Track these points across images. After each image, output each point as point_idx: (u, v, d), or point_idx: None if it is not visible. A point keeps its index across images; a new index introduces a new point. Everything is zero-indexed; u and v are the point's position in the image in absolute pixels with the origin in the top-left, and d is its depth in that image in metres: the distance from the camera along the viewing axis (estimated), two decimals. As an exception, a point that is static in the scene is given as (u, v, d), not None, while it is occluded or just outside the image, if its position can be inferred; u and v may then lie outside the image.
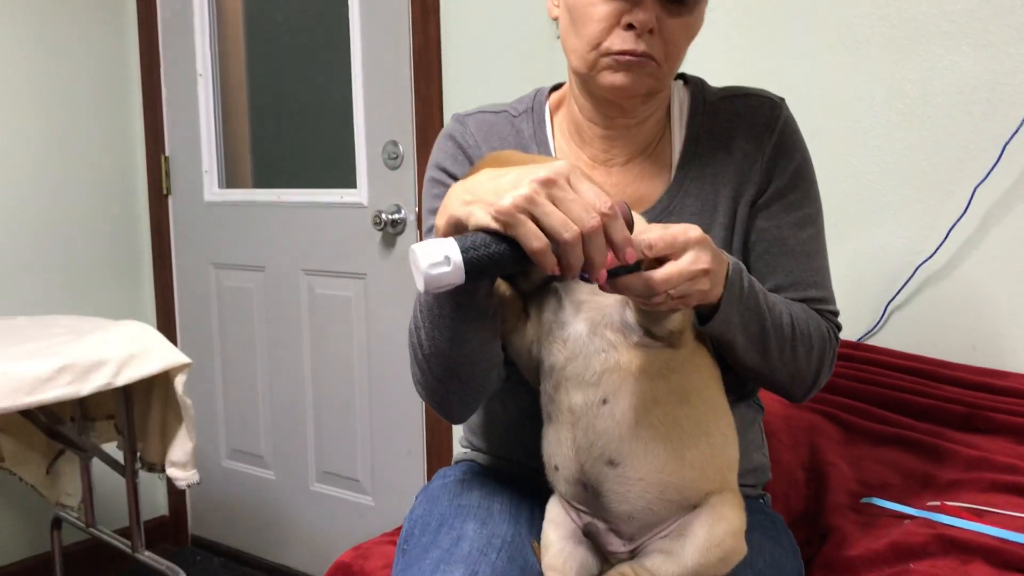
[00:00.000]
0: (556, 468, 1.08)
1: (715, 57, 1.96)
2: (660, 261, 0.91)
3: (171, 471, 2.19)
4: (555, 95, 1.30)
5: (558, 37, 1.20)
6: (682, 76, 1.28)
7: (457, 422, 1.22)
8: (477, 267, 0.87)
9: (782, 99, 1.23)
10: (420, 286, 0.87)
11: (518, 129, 1.27)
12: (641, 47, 1.10)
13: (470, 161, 1.25)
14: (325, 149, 2.78)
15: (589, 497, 1.06)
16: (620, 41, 1.10)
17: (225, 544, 3.15)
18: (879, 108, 1.79)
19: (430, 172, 1.29)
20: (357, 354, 2.72)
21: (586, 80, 1.17)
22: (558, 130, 1.28)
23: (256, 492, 3.04)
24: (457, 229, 0.91)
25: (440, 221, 0.93)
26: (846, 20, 1.80)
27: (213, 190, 3.01)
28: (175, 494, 3.26)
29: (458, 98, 2.40)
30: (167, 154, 3.08)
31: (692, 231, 0.93)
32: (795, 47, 1.87)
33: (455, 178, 1.23)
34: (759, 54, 1.91)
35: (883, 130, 1.79)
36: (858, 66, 1.80)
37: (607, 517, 1.06)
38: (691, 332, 1.05)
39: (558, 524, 1.11)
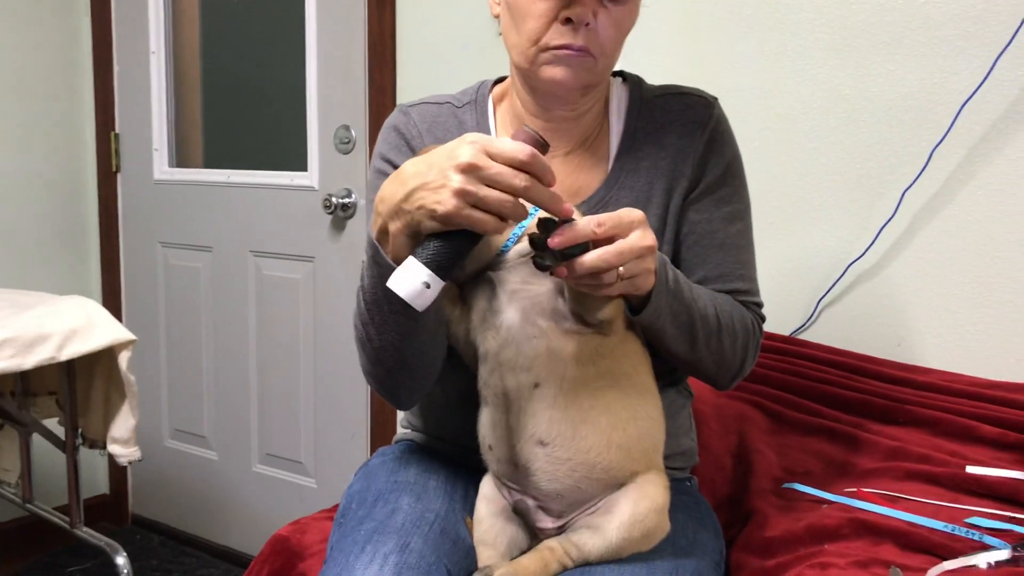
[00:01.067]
0: (490, 448, 1.13)
1: (660, 60, 2.01)
2: (610, 241, 0.96)
3: (112, 448, 2.19)
4: (498, 88, 1.34)
5: (500, 34, 1.24)
6: (621, 74, 1.33)
7: (406, 408, 1.26)
8: (447, 268, 0.95)
9: (715, 98, 1.29)
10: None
11: (461, 120, 1.31)
12: (579, 41, 1.15)
13: (413, 152, 1.28)
14: (277, 131, 2.79)
15: (520, 476, 1.11)
16: (558, 36, 1.15)
17: (166, 523, 3.15)
18: (817, 112, 1.85)
19: (375, 163, 1.33)
20: (303, 337, 2.73)
21: (527, 74, 1.22)
22: (500, 122, 1.32)
23: (198, 472, 3.04)
24: (410, 235, 0.98)
25: (394, 226, 0.99)
26: (788, 26, 1.87)
27: (163, 168, 3.00)
28: (116, 473, 3.24)
29: (411, 86, 2.43)
30: (117, 131, 3.06)
31: (636, 212, 0.98)
32: (738, 51, 1.93)
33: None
34: (703, 57, 1.97)
35: (821, 133, 1.85)
36: (799, 71, 1.86)
37: (537, 495, 1.11)
38: (622, 320, 1.10)
39: (490, 501, 1.16)
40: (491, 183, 0.92)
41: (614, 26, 1.16)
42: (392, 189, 0.99)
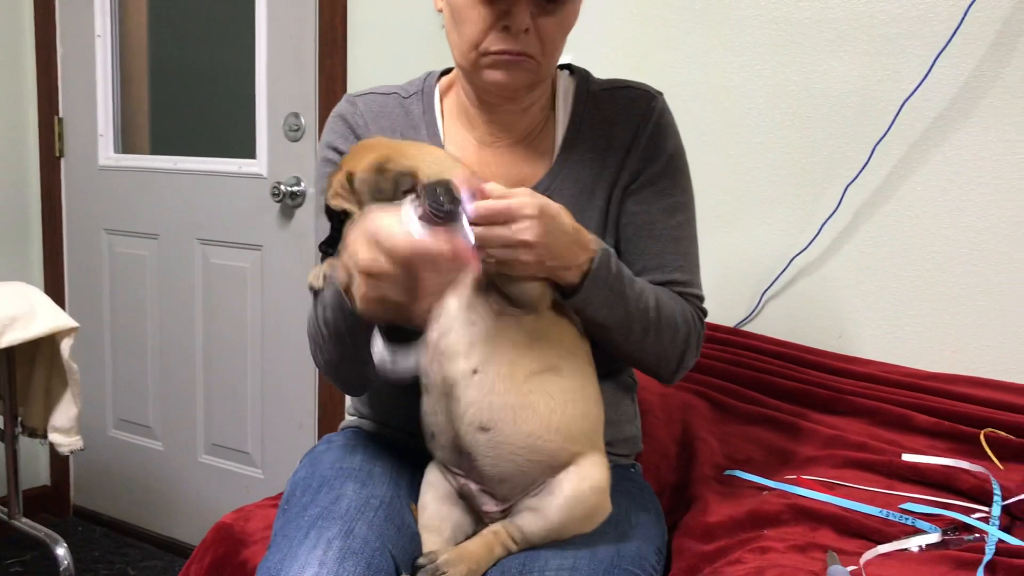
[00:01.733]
0: (433, 435, 1.14)
1: (608, 52, 2.03)
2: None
3: (54, 437, 2.16)
4: (445, 79, 1.36)
5: (443, 26, 1.25)
6: (568, 66, 1.34)
7: (357, 396, 1.32)
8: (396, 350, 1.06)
9: (660, 92, 1.31)
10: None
11: (408, 110, 1.32)
12: (518, 47, 1.16)
13: (358, 138, 1.30)
14: (225, 118, 2.76)
15: (464, 462, 1.12)
16: (497, 42, 1.16)
17: (109, 515, 3.11)
18: (763, 108, 1.88)
19: (322, 151, 1.34)
20: (251, 326, 2.71)
21: (469, 74, 1.23)
22: (447, 112, 1.33)
23: (143, 463, 3.00)
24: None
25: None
26: (736, 22, 1.89)
27: (108, 154, 2.95)
28: (57, 463, 3.19)
29: (362, 74, 2.42)
30: (61, 116, 3.00)
31: (528, 208, 1.00)
32: (687, 45, 1.95)
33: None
34: (652, 51, 1.99)
35: (766, 128, 1.88)
36: (745, 66, 1.89)
37: (481, 480, 1.12)
38: (548, 300, 1.12)
39: (435, 487, 1.17)
40: (393, 284, 1.00)
41: (554, 27, 1.18)
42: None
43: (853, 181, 1.78)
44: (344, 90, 2.44)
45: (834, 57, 1.80)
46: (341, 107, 1.34)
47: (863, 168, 1.77)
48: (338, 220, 1.14)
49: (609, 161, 1.27)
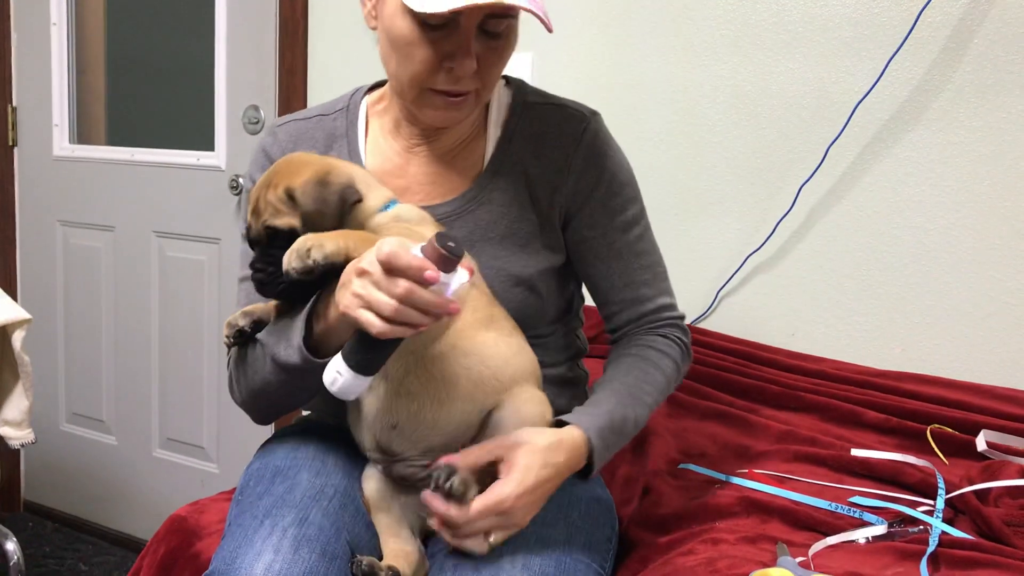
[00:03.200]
0: (360, 442, 1.20)
1: (569, 52, 2.04)
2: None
3: (4, 430, 2.12)
4: (376, 93, 1.34)
5: (378, 42, 1.22)
6: (505, 77, 1.33)
7: (266, 424, 1.32)
8: (359, 364, 1.02)
9: (594, 112, 1.30)
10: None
11: (329, 131, 1.32)
12: (464, 87, 1.15)
13: None
14: (183, 109, 2.73)
15: (388, 457, 1.16)
16: (443, 82, 1.15)
17: (61, 510, 3.06)
18: (722, 107, 1.91)
19: (245, 183, 1.36)
20: (207, 320, 2.69)
21: (406, 103, 1.22)
22: (376, 125, 1.32)
23: (96, 457, 2.97)
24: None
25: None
26: (695, 22, 1.91)
27: (63, 144, 2.90)
28: (8, 458, 3.13)
29: (322, 67, 2.41)
30: (14, 104, 2.95)
31: (509, 500, 1.04)
32: (647, 45, 1.97)
33: None
34: (612, 50, 2.00)
35: (722, 128, 1.91)
36: (703, 66, 1.91)
37: (412, 463, 1.15)
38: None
39: (372, 476, 1.21)
40: (377, 288, 0.96)
41: (497, 59, 1.16)
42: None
43: (807, 181, 1.82)
44: (304, 83, 2.43)
45: (790, 59, 1.83)
46: (263, 139, 1.35)
47: (817, 168, 1.80)
48: (281, 240, 1.10)
49: (542, 178, 1.26)
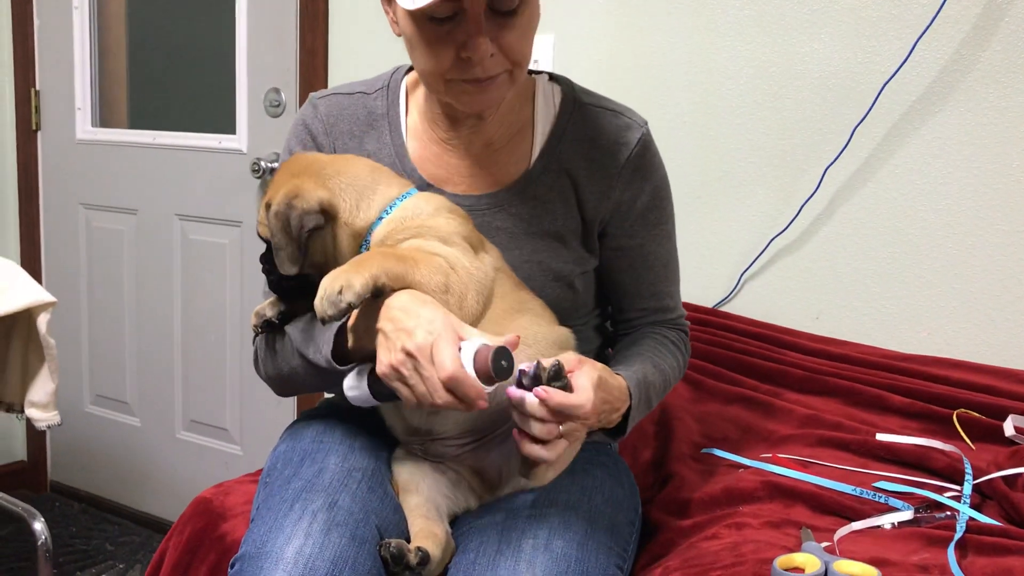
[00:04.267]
0: (392, 426, 1.22)
1: (595, 36, 2.03)
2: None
3: (31, 412, 2.14)
4: (414, 74, 1.33)
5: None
6: (549, 74, 1.33)
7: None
8: (378, 395, 1.10)
9: (645, 122, 1.30)
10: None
11: (370, 109, 1.31)
12: (486, 72, 1.13)
13: (316, 146, 1.30)
14: (205, 92, 2.74)
15: (424, 436, 1.18)
16: (463, 71, 1.13)
17: (86, 491, 3.10)
18: (744, 88, 1.89)
19: (283, 156, 1.34)
20: (229, 303, 2.70)
21: (442, 99, 1.22)
22: (415, 108, 1.31)
23: (120, 439, 2.99)
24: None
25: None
26: (719, 2, 1.89)
27: (86, 128, 2.92)
28: (34, 440, 3.17)
29: (343, 50, 2.40)
30: (38, 88, 2.97)
31: (584, 409, 1.03)
32: (669, 25, 1.95)
33: None
34: (637, 33, 1.98)
35: (746, 109, 1.89)
36: (727, 47, 1.89)
37: (449, 443, 1.18)
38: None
39: (401, 458, 1.23)
40: (420, 377, 1.01)
41: (518, 37, 1.14)
42: (389, 315, 1.05)
43: (832, 163, 1.80)
44: (325, 66, 2.43)
45: (815, 39, 1.81)
46: (304, 111, 1.34)
47: (842, 150, 1.78)
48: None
49: (589, 182, 1.26)
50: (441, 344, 1.00)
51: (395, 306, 1.05)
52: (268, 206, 1.13)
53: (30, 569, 2.54)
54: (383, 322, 1.05)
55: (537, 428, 1.01)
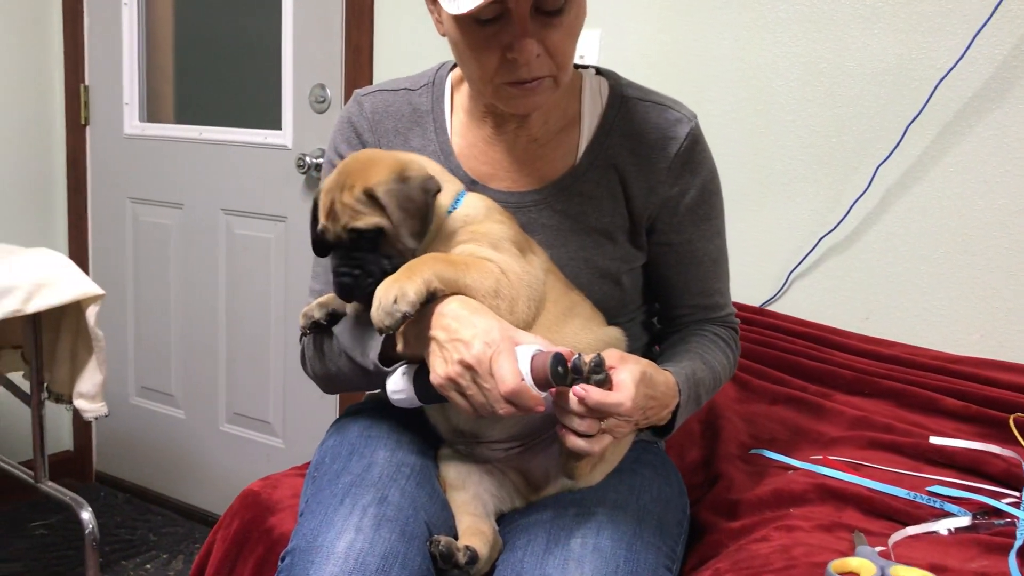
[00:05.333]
0: (436, 425, 1.23)
1: (642, 31, 2.01)
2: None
3: (79, 403, 2.17)
4: (459, 69, 1.32)
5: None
6: (596, 68, 1.32)
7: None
8: (425, 398, 1.11)
9: (694, 115, 1.28)
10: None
11: (415, 106, 1.30)
12: (532, 74, 1.13)
13: (362, 143, 1.30)
14: (251, 88, 2.76)
15: (469, 439, 1.18)
16: (509, 73, 1.13)
17: (131, 481, 3.14)
18: (794, 85, 1.86)
19: (328, 153, 1.35)
20: (274, 297, 2.72)
21: (484, 97, 1.22)
22: (460, 105, 1.31)
23: (164, 430, 3.03)
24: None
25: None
26: (769, -3, 1.87)
27: (133, 123, 2.95)
28: (80, 430, 3.22)
29: (389, 46, 2.41)
30: (87, 83, 3.01)
31: (625, 406, 1.02)
32: (718, 21, 1.92)
33: None
34: (685, 28, 1.96)
35: (797, 106, 1.86)
36: (777, 43, 1.87)
37: (495, 446, 1.17)
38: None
39: (448, 455, 1.23)
40: (479, 387, 1.01)
41: (564, 38, 1.13)
42: (442, 323, 1.05)
43: (884, 161, 1.77)
44: (371, 62, 2.43)
45: (868, 34, 1.78)
46: (349, 108, 1.34)
47: (895, 148, 1.75)
48: (366, 242, 1.09)
49: (637, 177, 1.25)
50: (500, 357, 1.00)
51: (447, 314, 1.05)
52: (369, 193, 1.08)
53: (77, 558, 2.58)
54: (436, 331, 1.05)
55: (577, 423, 1.01)
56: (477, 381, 1.01)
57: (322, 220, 1.11)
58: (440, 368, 1.04)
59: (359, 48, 2.43)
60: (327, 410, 2.63)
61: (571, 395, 1.00)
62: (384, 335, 1.12)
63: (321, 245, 1.15)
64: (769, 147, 1.90)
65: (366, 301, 1.09)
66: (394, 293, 1.02)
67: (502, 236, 1.14)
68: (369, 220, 1.08)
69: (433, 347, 1.05)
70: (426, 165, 1.15)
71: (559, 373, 0.99)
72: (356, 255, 1.10)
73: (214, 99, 2.87)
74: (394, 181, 1.08)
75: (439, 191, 1.11)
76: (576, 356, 1.01)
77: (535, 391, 1.00)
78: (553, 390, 1.01)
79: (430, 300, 1.05)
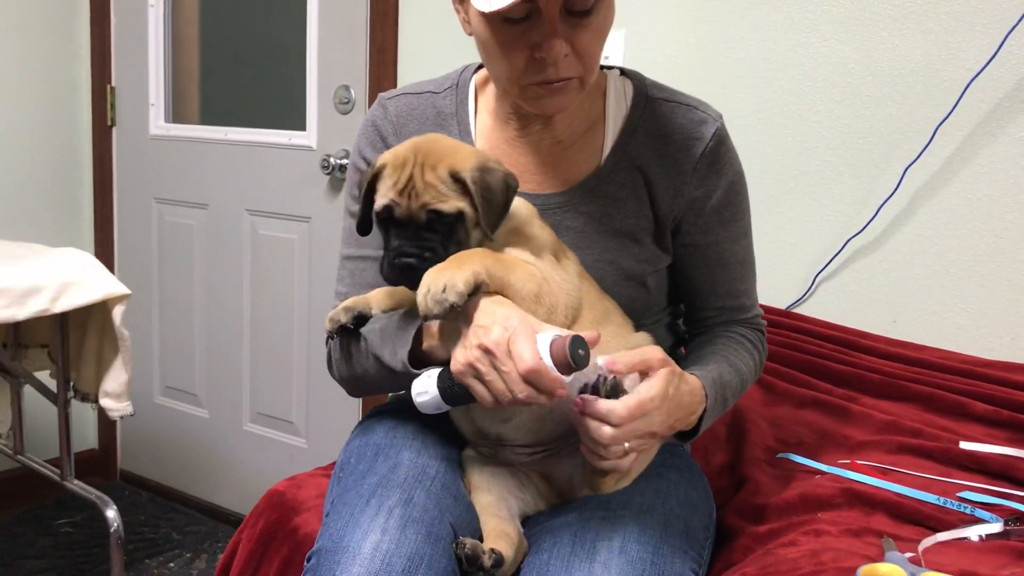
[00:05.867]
0: (460, 427, 1.22)
1: (667, 32, 2.00)
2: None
3: (104, 401, 2.19)
4: (483, 72, 1.32)
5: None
6: (620, 69, 1.31)
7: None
8: (449, 398, 1.08)
9: (720, 115, 1.27)
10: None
11: (439, 109, 1.30)
12: (559, 74, 1.12)
13: (386, 147, 1.28)
14: (275, 89, 2.77)
15: (493, 442, 1.18)
16: (537, 73, 1.13)
17: (155, 480, 3.16)
18: (822, 86, 1.84)
19: (352, 157, 1.35)
20: (298, 297, 2.73)
21: (510, 97, 1.21)
22: (484, 107, 1.30)
23: (188, 430, 3.05)
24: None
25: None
26: (797, -3, 1.86)
27: (159, 124, 2.97)
28: (105, 429, 3.24)
29: (413, 47, 2.41)
30: (113, 84, 3.03)
31: (656, 400, 1.03)
32: (745, 22, 1.91)
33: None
34: (711, 28, 1.95)
35: (824, 107, 1.85)
36: (805, 43, 1.85)
37: (519, 451, 1.17)
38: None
39: (473, 457, 1.23)
40: (498, 372, 1.00)
41: (592, 39, 1.13)
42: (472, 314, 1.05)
43: (913, 163, 1.75)
44: (395, 63, 2.44)
45: (896, 35, 1.76)
46: (373, 111, 1.33)
47: (924, 149, 1.73)
48: (442, 226, 1.08)
49: (662, 178, 1.24)
50: (518, 338, 0.99)
51: (470, 306, 1.05)
52: (455, 176, 1.06)
53: (102, 555, 2.60)
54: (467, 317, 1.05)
55: (599, 445, 1.02)
56: (496, 365, 1.00)
57: (392, 196, 1.07)
58: (460, 355, 1.03)
59: (383, 49, 2.44)
60: (350, 410, 2.64)
61: (590, 422, 1.02)
62: (416, 332, 1.12)
63: (366, 223, 1.14)
64: (796, 148, 1.88)
65: (412, 285, 1.07)
66: (444, 281, 1.01)
67: (543, 242, 1.14)
68: (455, 203, 1.07)
69: (457, 349, 1.05)
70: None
71: (580, 356, 0.98)
72: (428, 237, 1.07)
73: (239, 100, 2.88)
74: (479, 169, 1.07)
75: (517, 187, 1.10)
76: (599, 378, 1.02)
77: (555, 372, 0.98)
78: (580, 400, 1.01)
79: (475, 293, 1.04)
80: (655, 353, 1.07)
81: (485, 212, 1.06)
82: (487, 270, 1.04)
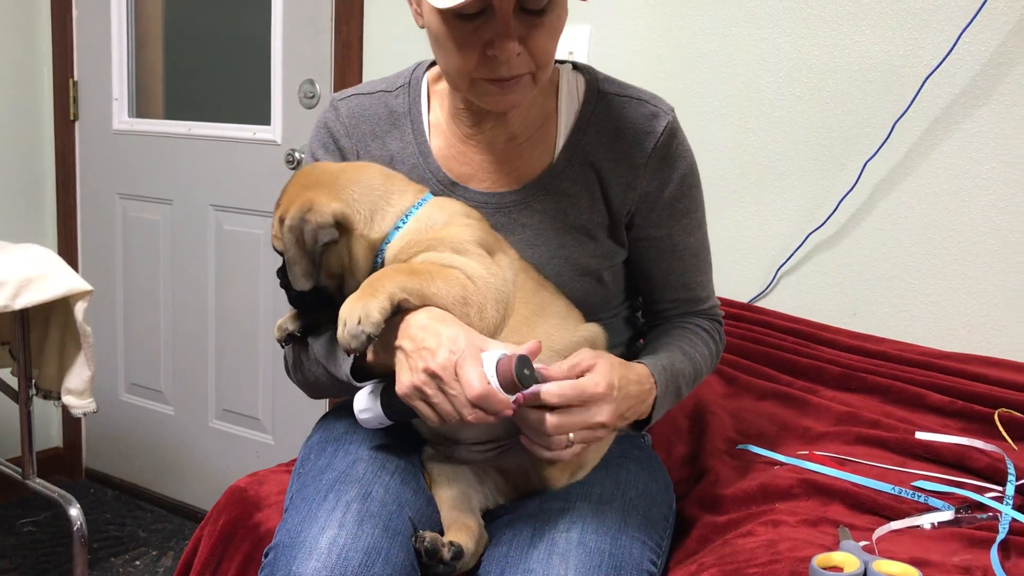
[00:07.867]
0: (418, 428, 1.23)
1: (632, 27, 2.01)
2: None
3: (67, 399, 2.16)
4: (435, 70, 1.31)
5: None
6: (572, 63, 1.31)
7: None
8: (392, 415, 1.11)
9: (671, 108, 1.27)
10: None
11: (392, 108, 1.29)
12: (511, 72, 1.12)
13: (339, 148, 1.29)
14: (240, 83, 2.75)
15: (449, 441, 1.19)
16: (488, 70, 1.12)
17: (120, 478, 3.13)
18: (783, 81, 1.86)
19: (306, 158, 1.35)
20: (263, 293, 2.71)
21: (465, 96, 1.20)
22: (437, 105, 1.30)
23: (154, 427, 3.02)
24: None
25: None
26: (758, -7, 1.87)
27: (122, 118, 2.94)
28: (70, 427, 3.21)
29: (378, 41, 2.40)
30: (75, 79, 3.00)
31: (601, 386, 1.05)
32: (707, 17, 1.93)
33: None
34: (674, 23, 1.97)
35: (785, 102, 1.86)
36: (766, 39, 1.87)
37: (475, 449, 1.18)
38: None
39: (433, 451, 1.23)
40: (445, 394, 1.02)
41: (545, 38, 1.12)
42: (409, 333, 1.06)
43: (872, 158, 1.77)
44: (360, 57, 2.43)
45: (857, 31, 1.78)
46: (326, 113, 1.33)
47: (882, 144, 1.76)
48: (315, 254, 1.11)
49: (615, 171, 1.24)
50: (466, 363, 1.00)
51: (414, 324, 1.06)
52: (282, 220, 1.11)
53: (65, 554, 2.58)
54: (402, 340, 1.05)
55: (534, 424, 1.05)
56: (443, 388, 1.01)
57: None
58: (405, 378, 1.04)
59: (348, 44, 2.43)
60: (316, 407, 2.63)
61: (529, 412, 1.04)
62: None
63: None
64: (757, 143, 1.90)
65: (304, 311, 1.15)
66: (357, 314, 1.02)
67: (465, 239, 1.13)
68: (279, 244, 1.14)
69: (399, 357, 1.05)
70: (370, 181, 1.15)
71: (525, 375, 1.00)
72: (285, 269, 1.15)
73: (203, 94, 2.86)
74: (296, 218, 1.10)
75: (334, 241, 1.11)
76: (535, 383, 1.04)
77: (502, 395, 1.00)
78: (520, 396, 1.02)
79: (397, 312, 1.06)
80: (584, 353, 1.09)
81: (298, 259, 1.11)
82: (403, 288, 1.05)
